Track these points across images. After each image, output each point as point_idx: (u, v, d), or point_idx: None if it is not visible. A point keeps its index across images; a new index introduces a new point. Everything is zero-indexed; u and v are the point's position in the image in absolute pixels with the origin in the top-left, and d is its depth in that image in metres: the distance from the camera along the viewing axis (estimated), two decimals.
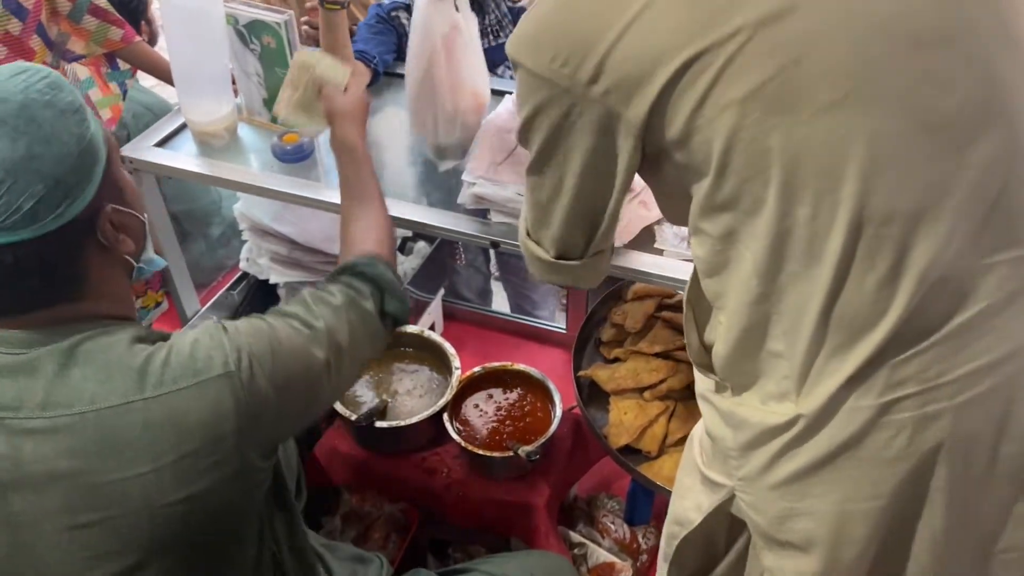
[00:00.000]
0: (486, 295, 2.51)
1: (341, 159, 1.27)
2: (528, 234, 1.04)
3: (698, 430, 1.07)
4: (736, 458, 0.90)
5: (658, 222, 1.35)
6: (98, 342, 0.86)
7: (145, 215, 0.96)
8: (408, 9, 1.86)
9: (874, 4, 0.72)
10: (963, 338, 0.76)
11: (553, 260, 1.01)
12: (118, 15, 1.93)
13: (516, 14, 1.95)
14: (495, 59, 1.85)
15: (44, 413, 0.82)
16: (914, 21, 0.71)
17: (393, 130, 1.66)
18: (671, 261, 1.30)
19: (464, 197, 1.36)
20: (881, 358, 0.76)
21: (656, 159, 0.82)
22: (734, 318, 0.83)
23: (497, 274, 2.57)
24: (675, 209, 0.89)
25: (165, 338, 0.89)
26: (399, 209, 1.41)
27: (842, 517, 0.83)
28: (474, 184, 1.33)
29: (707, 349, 0.93)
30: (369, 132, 1.63)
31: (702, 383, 0.98)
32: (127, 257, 0.91)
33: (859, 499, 0.81)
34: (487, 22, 1.91)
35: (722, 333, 0.86)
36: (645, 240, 1.33)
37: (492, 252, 2.42)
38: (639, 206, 1.34)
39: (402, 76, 1.84)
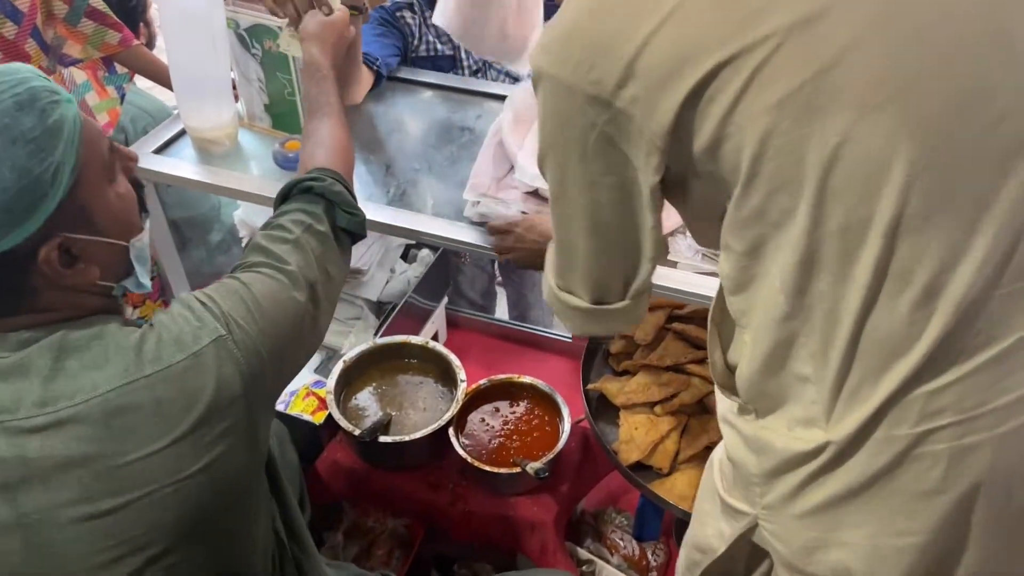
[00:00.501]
0: (490, 296, 2.47)
1: (305, 77, 1.29)
2: (558, 287, 0.97)
3: (718, 453, 1.03)
4: (760, 485, 0.87)
5: (671, 233, 1.31)
6: (86, 332, 0.84)
7: (136, 240, 0.91)
8: (412, 7, 1.82)
9: (911, 8, 0.68)
10: (1004, 366, 0.72)
11: (590, 307, 0.95)
12: (116, 18, 1.89)
13: None
14: None
15: (44, 410, 0.80)
16: (953, 26, 0.68)
17: (398, 136, 1.62)
18: (684, 274, 1.26)
19: (469, 211, 1.32)
20: (915, 384, 0.73)
21: (683, 176, 0.78)
22: (759, 337, 0.79)
23: (500, 279, 2.54)
24: (708, 231, 0.85)
25: (147, 322, 0.88)
26: (404, 219, 1.37)
27: (875, 552, 0.79)
28: (477, 203, 1.30)
29: (731, 370, 0.90)
30: (373, 140, 1.60)
31: (724, 405, 0.94)
32: (95, 281, 0.87)
33: (894, 533, 0.77)
34: None
35: (747, 353, 0.83)
36: None
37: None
38: None
39: (407, 81, 1.81)
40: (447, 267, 2.06)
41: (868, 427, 0.75)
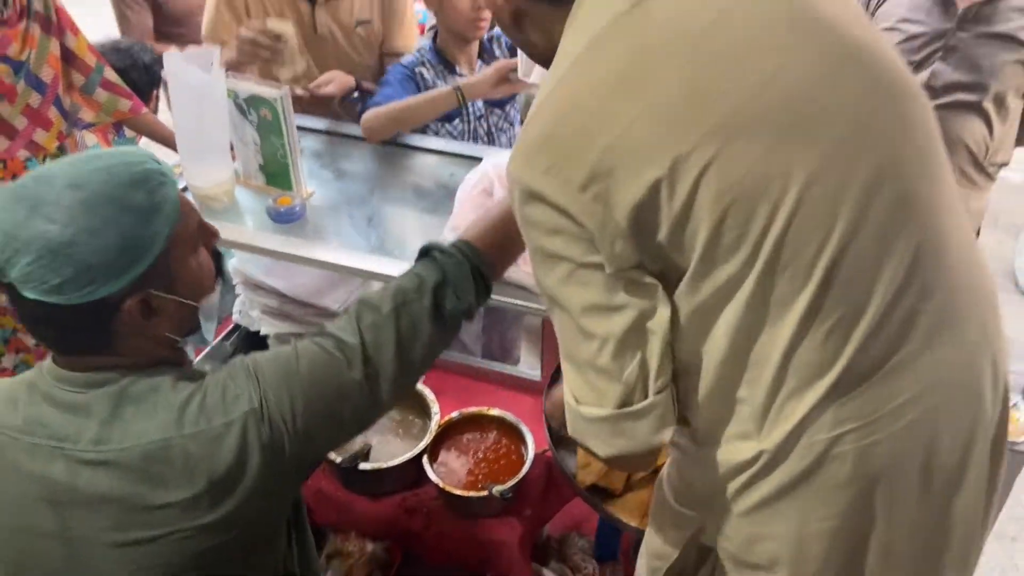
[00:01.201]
0: (478, 340, 2.63)
1: None
2: (576, 401, 0.97)
3: (665, 471, 1.17)
4: (707, 493, 1.01)
5: None
6: (144, 383, 0.98)
7: (205, 301, 1.04)
8: (425, 64, 2.06)
9: (812, 102, 0.84)
10: (892, 379, 0.89)
11: (615, 413, 0.93)
12: (126, 87, 2.11)
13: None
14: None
15: (97, 448, 0.95)
16: (859, 107, 0.86)
17: (380, 192, 1.81)
18: None
19: None
20: (829, 400, 0.89)
21: (639, 260, 0.90)
22: (706, 376, 0.93)
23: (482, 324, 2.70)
24: None
25: (203, 375, 1.02)
26: (384, 265, 1.54)
27: (802, 538, 0.94)
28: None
29: (682, 404, 1.00)
30: (357, 196, 1.79)
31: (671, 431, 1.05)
32: (165, 334, 1.01)
33: (815, 520, 0.93)
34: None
35: (694, 391, 0.95)
36: None
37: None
38: None
39: (411, 148, 2.00)
40: None
41: (792, 436, 0.90)
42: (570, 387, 0.98)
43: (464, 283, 1.10)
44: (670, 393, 0.95)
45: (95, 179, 0.93)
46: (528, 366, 2.45)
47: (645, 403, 0.93)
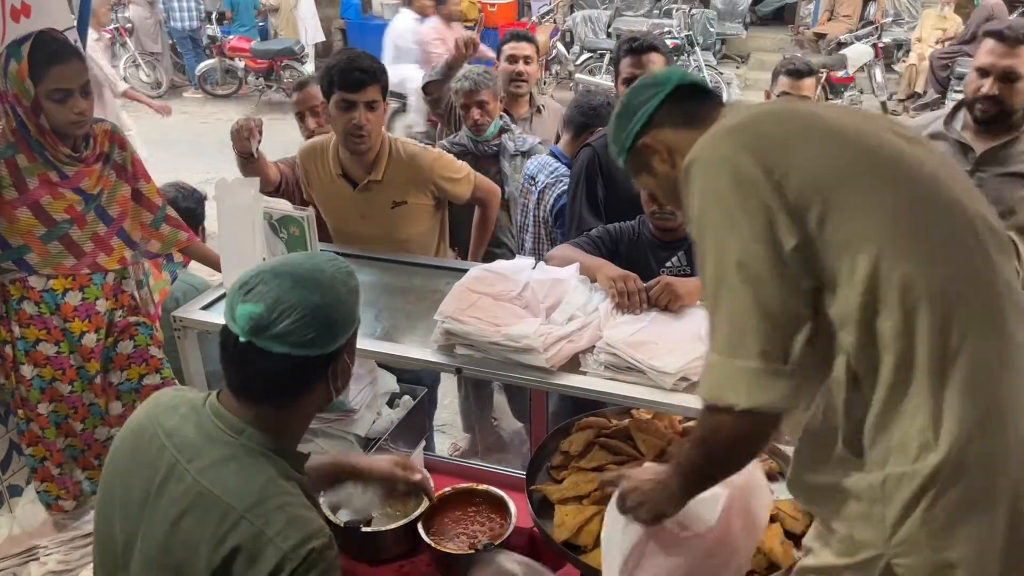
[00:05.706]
0: None
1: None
2: (727, 356, 1.13)
3: (811, 540, 1.31)
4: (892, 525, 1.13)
5: (582, 352, 1.79)
6: (260, 459, 1.21)
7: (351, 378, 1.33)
8: None
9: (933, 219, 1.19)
10: None
11: (763, 367, 1.11)
12: (182, 221, 2.58)
13: None
14: None
15: (198, 477, 1.19)
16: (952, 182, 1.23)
17: (386, 297, 2.14)
18: (592, 379, 1.72)
19: (438, 329, 1.80)
20: None
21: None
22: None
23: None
24: None
25: (301, 484, 1.24)
26: (388, 348, 1.84)
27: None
28: (444, 322, 1.79)
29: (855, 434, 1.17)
30: (367, 300, 2.11)
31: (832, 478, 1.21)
32: (332, 391, 1.27)
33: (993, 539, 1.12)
34: None
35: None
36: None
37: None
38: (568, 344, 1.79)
39: (410, 265, 2.36)
40: (423, 416, 2.47)
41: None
42: (723, 340, 1.15)
43: None
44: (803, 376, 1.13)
45: (329, 268, 1.24)
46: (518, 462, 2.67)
47: (789, 367, 1.12)
